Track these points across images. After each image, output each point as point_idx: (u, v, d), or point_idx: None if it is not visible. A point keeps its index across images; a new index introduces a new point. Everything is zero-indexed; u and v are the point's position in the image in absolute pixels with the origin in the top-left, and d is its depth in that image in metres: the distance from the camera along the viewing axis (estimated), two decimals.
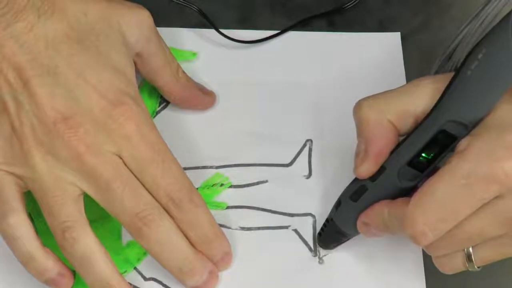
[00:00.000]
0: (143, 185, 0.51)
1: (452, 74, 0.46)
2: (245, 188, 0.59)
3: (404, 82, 0.63)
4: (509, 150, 0.42)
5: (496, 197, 0.43)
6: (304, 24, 0.65)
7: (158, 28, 0.63)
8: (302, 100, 0.62)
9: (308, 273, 0.55)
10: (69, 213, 0.50)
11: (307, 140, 0.60)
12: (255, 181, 0.59)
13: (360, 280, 0.55)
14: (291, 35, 0.65)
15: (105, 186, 0.50)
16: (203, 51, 0.63)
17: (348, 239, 0.54)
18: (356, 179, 0.51)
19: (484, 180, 0.43)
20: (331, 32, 0.65)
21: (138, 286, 0.55)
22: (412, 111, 0.47)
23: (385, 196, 0.49)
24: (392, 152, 0.48)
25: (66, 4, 0.52)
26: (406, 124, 0.47)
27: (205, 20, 0.63)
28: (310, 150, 0.60)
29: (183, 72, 0.59)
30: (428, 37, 0.66)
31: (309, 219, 0.57)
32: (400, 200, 0.48)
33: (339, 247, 0.55)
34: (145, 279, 0.55)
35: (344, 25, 0.65)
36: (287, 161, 0.59)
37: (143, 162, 0.50)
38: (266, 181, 0.59)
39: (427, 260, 0.55)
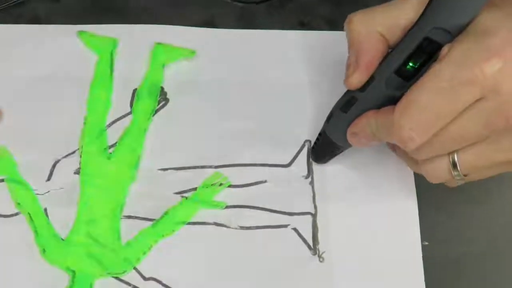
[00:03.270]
0: None
1: None
2: (244, 188, 0.59)
3: None
4: (488, 52, 0.44)
5: (478, 99, 0.45)
6: (302, 23, 0.66)
7: (158, 26, 0.65)
8: (301, 100, 0.63)
9: (307, 272, 0.57)
10: None
11: (306, 141, 0.61)
12: (254, 181, 0.60)
13: (360, 279, 0.57)
14: (291, 34, 0.65)
15: None
16: (202, 50, 0.64)
17: (340, 152, 0.57)
18: (346, 92, 0.53)
19: (465, 82, 0.45)
20: (330, 32, 0.66)
21: (138, 286, 0.56)
22: (401, 23, 0.49)
23: (373, 106, 0.51)
24: (381, 63, 0.50)
25: None
26: (395, 36, 0.50)
27: (206, 19, 0.64)
28: (309, 150, 0.61)
29: None
30: None
31: (308, 218, 0.58)
32: (385, 108, 0.50)
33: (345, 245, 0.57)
34: (145, 279, 0.56)
35: (343, 25, 0.66)
36: (286, 161, 0.60)
37: None
38: (265, 181, 0.60)
39: (427, 261, 0.57)
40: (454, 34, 0.47)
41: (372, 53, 0.50)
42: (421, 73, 0.48)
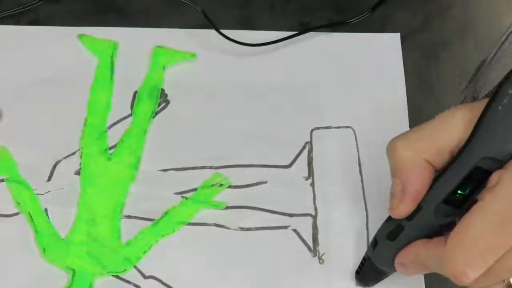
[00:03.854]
0: None
1: (480, 102, 0.46)
2: (245, 189, 0.60)
3: (403, 83, 0.64)
4: None
5: None
6: (303, 24, 0.67)
7: (158, 29, 0.65)
8: (302, 101, 0.63)
9: (307, 273, 0.57)
10: None
11: (307, 142, 0.61)
12: (255, 181, 0.60)
13: None
14: (291, 35, 0.65)
15: None
16: (202, 52, 0.65)
17: (387, 276, 0.55)
18: (391, 218, 0.50)
19: None
20: (331, 33, 0.66)
21: (138, 284, 0.56)
22: (446, 146, 0.47)
23: (422, 234, 0.48)
24: (428, 191, 0.47)
25: None
26: (442, 160, 0.47)
27: (206, 21, 0.64)
28: (309, 151, 0.61)
29: None
30: (428, 37, 0.67)
31: (309, 219, 0.59)
32: (436, 240, 0.47)
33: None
34: (145, 277, 0.56)
35: (345, 25, 0.67)
36: (287, 162, 0.61)
37: None
38: (266, 182, 0.60)
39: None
40: (505, 161, 0.45)
41: (419, 183, 0.47)
42: (472, 198, 0.46)
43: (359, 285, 0.57)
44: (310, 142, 0.62)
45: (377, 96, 0.63)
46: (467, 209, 0.45)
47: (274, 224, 0.59)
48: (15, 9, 0.66)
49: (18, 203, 0.58)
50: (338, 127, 0.62)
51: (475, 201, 0.45)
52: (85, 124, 0.61)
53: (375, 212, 0.59)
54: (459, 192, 0.46)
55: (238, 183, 0.60)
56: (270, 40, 0.65)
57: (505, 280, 0.46)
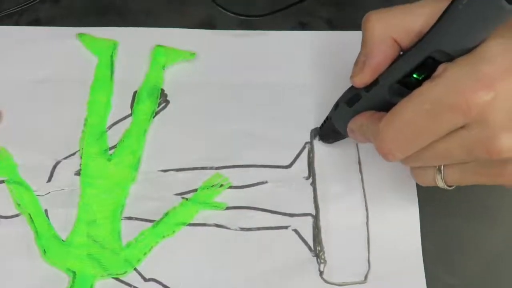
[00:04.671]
0: None
1: None
2: (245, 189, 0.60)
3: None
4: (478, 82, 0.43)
5: (462, 127, 0.45)
6: (303, 24, 0.67)
7: (158, 29, 0.65)
8: (302, 101, 0.63)
9: (308, 273, 0.57)
10: None
11: (307, 142, 0.62)
12: (255, 182, 0.60)
13: (361, 280, 0.57)
14: (291, 35, 0.66)
15: None
16: (202, 52, 0.65)
17: (343, 138, 0.59)
18: (352, 87, 0.54)
19: (448, 109, 0.44)
20: (330, 31, 0.66)
21: (138, 287, 0.56)
22: (414, 28, 0.49)
23: (375, 107, 0.52)
24: (388, 68, 0.51)
25: None
26: (409, 41, 0.49)
27: (206, 21, 0.64)
28: (309, 151, 0.61)
29: None
30: None
31: (309, 219, 0.59)
32: (378, 114, 0.50)
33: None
34: (145, 280, 0.56)
35: (344, 25, 0.67)
36: (287, 162, 0.61)
37: None
38: (266, 182, 0.60)
39: (427, 262, 0.57)
40: (457, 56, 0.46)
41: (380, 58, 0.50)
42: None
43: (321, 140, 0.61)
44: (310, 142, 0.62)
45: None
46: None
47: (275, 224, 0.59)
48: (14, 8, 0.66)
49: (18, 205, 0.58)
50: None
51: None
52: (85, 125, 0.61)
53: (375, 212, 0.59)
54: (413, 76, 0.49)
55: (238, 184, 0.60)
56: (270, 41, 0.65)
57: (436, 167, 0.50)
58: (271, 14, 0.66)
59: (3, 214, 0.58)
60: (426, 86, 0.46)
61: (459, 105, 0.44)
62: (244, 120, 0.62)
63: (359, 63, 0.51)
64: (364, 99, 0.52)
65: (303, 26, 0.67)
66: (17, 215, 0.58)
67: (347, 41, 0.65)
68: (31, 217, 0.58)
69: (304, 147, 0.61)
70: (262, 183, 0.60)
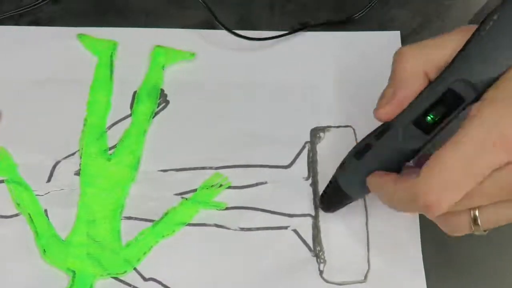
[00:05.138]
0: None
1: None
2: (245, 189, 0.60)
3: None
4: None
5: (506, 164, 0.44)
6: (303, 24, 0.67)
7: (157, 29, 0.65)
8: (302, 101, 0.63)
9: (307, 273, 0.57)
10: None
11: (307, 142, 0.62)
12: (255, 182, 0.60)
13: (360, 281, 0.57)
14: (292, 35, 0.66)
15: None
16: (202, 52, 0.65)
17: (349, 202, 0.56)
18: (362, 140, 0.51)
19: (492, 148, 0.44)
20: (330, 32, 0.66)
21: (138, 286, 0.56)
22: (443, 62, 0.48)
23: (387, 156, 0.49)
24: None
25: None
26: (438, 74, 0.48)
27: (207, 18, 0.64)
28: (309, 151, 0.61)
29: None
30: (428, 37, 0.66)
31: (309, 220, 0.59)
32: (403, 176, 0.48)
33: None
34: (145, 279, 0.57)
35: (344, 25, 0.67)
36: (287, 162, 0.61)
37: None
38: (266, 182, 0.60)
39: (426, 263, 0.57)
40: (479, 89, 0.46)
41: (411, 91, 0.49)
42: (440, 127, 0.47)
43: (323, 210, 0.58)
44: (310, 142, 0.62)
45: (376, 94, 0.63)
46: (434, 137, 0.47)
47: (274, 224, 0.59)
48: (15, 11, 0.66)
49: (18, 204, 0.58)
50: (338, 127, 0.62)
51: (442, 129, 0.47)
52: (84, 125, 0.62)
53: (375, 212, 0.59)
54: (430, 116, 0.47)
55: (238, 184, 0.60)
56: (270, 41, 0.65)
57: (471, 212, 0.48)
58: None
59: (2, 214, 0.58)
60: (467, 129, 0.44)
61: (503, 144, 0.43)
62: (243, 120, 0.62)
63: (387, 95, 0.50)
64: (374, 149, 0.50)
65: (303, 26, 0.67)
66: (16, 215, 0.58)
67: (347, 42, 0.66)
68: (30, 217, 0.58)
69: (304, 147, 0.62)
70: (262, 183, 0.60)
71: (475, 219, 0.48)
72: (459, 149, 0.44)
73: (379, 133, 0.50)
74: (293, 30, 0.66)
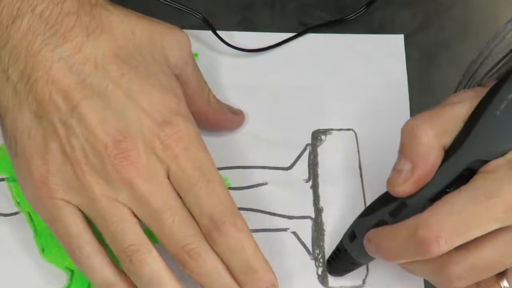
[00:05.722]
0: (189, 208, 0.51)
1: (485, 89, 0.47)
2: (245, 190, 0.60)
3: (406, 85, 0.64)
4: None
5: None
6: (303, 25, 0.67)
7: None
8: (303, 103, 0.63)
9: (306, 276, 0.57)
10: (132, 237, 0.49)
11: (308, 144, 0.62)
12: (255, 183, 0.60)
13: (358, 284, 0.57)
14: (292, 36, 0.66)
15: (155, 215, 0.49)
16: (203, 53, 0.65)
17: (360, 266, 0.56)
18: (370, 213, 0.51)
19: (505, 203, 0.44)
20: (333, 34, 0.66)
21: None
22: (456, 130, 0.48)
23: None
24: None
25: (114, 23, 0.51)
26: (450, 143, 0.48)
27: (207, 24, 0.64)
28: (310, 153, 0.62)
29: (213, 95, 0.59)
30: (428, 38, 0.67)
31: (308, 222, 0.59)
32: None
33: None
34: None
35: (345, 26, 0.67)
36: (287, 164, 0.61)
37: (187, 183, 0.50)
38: (266, 184, 0.60)
39: None
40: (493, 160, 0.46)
41: (430, 168, 0.48)
42: None
43: (331, 274, 0.57)
44: (311, 144, 0.62)
45: (379, 98, 0.64)
46: None
47: (274, 226, 0.59)
48: None
49: (18, 203, 0.58)
50: (339, 130, 0.62)
51: None
52: None
53: None
54: (446, 190, 0.47)
55: (237, 185, 0.60)
56: (269, 45, 0.65)
57: (501, 285, 0.48)
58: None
59: (2, 212, 0.58)
60: (481, 180, 0.45)
61: None
62: (244, 121, 0.62)
63: (404, 172, 0.48)
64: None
65: (303, 27, 0.67)
66: (16, 213, 0.58)
67: (349, 44, 0.66)
68: (30, 215, 0.58)
69: (305, 149, 0.62)
70: (262, 184, 0.60)
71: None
72: (468, 198, 0.45)
73: (394, 209, 0.49)
74: (290, 37, 0.66)
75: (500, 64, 0.49)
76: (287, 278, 0.57)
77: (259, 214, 0.59)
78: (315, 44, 0.66)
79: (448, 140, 0.48)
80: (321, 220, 0.59)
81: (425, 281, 0.57)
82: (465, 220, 0.44)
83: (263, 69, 0.65)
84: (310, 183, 0.61)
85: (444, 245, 0.45)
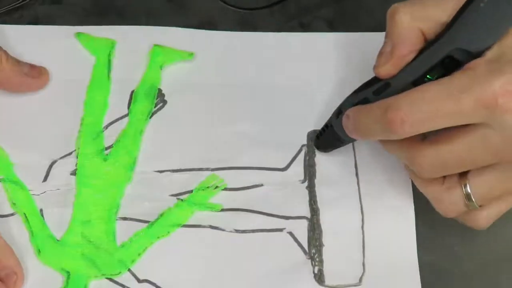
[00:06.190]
0: None
1: None
2: (241, 191, 0.60)
3: None
4: (510, 85, 0.44)
5: (486, 125, 0.46)
6: (303, 25, 0.67)
7: (156, 28, 0.66)
8: (299, 103, 0.63)
9: (302, 276, 0.57)
10: None
11: (303, 145, 0.62)
12: (251, 184, 0.60)
13: (355, 284, 0.57)
14: (290, 36, 0.66)
15: None
16: (200, 52, 0.65)
17: (343, 145, 0.59)
18: (359, 91, 0.54)
19: (474, 100, 0.45)
20: (330, 33, 0.66)
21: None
22: (441, 21, 0.49)
23: None
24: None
25: None
26: (434, 32, 0.50)
27: (207, 18, 0.64)
28: (306, 154, 0.61)
29: (8, 59, 0.60)
30: None
31: (304, 222, 0.59)
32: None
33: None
34: (139, 281, 0.57)
35: (343, 25, 0.67)
36: (283, 165, 0.61)
37: None
38: (262, 185, 0.60)
39: (423, 270, 0.58)
40: (477, 55, 0.47)
41: (408, 48, 0.50)
42: None
43: (318, 149, 0.61)
44: (307, 145, 0.62)
45: None
46: None
47: (270, 226, 0.59)
48: (12, 4, 0.66)
49: (14, 204, 0.59)
50: None
51: None
52: (81, 124, 0.62)
53: (371, 216, 0.60)
54: (428, 76, 0.49)
55: (234, 185, 0.60)
56: (269, 42, 0.66)
57: (462, 187, 0.50)
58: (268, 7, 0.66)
59: None
60: (458, 75, 0.46)
61: (487, 102, 0.44)
62: (241, 122, 0.62)
63: (385, 54, 0.51)
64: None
65: (303, 26, 0.67)
66: (12, 214, 0.59)
67: (346, 43, 0.66)
68: (26, 217, 0.58)
69: (300, 150, 0.62)
70: (258, 185, 0.60)
71: (468, 195, 0.50)
72: (441, 89, 0.46)
73: (378, 89, 0.51)
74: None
75: None
76: (283, 278, 0.57)
77: (255, 214, 0.59)
78: (312, 43, 0.66)
79: (427, 26, 0.50)
80: (317, 220, 0.59)
81: (422, 280, 0.57)
82: (433, 109, 0.46)
83: (259, 69, 0.65)
84: (306, 183, 0.61)
85: (408, 128, 0.47)
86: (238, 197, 0.60)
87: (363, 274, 0.57)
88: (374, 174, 0.61)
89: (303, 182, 0.61)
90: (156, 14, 0.66)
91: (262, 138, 0.62)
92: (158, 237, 0.58)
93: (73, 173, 0.60)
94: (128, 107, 0.63)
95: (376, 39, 0.64)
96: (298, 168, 0.61)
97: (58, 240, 0.58)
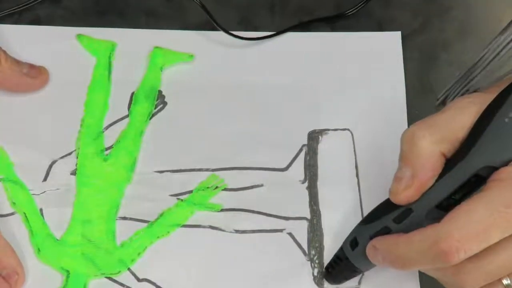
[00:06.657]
0: None
1: (489, 94, 0.47)
2: (240, 191, 0.60)
3: (403, 84, 0.64)
4: None
5: None
6: (303, 26, 0.67)
7: (156, 30, 0.66)
8: (299, 103, 0.63)
9: (301, 277, 0.57)
10: None
11: (304, 145, 0.62)
12: (251, 184, 0.61)
13: (354, 285, 0.57)
14: (291, 36, 0.66)
15: None
16: (200, 53, 0.65)
17: (359, 274, 0.56)
18: (373, 220, 0.51)
19: None
20: (330, 33, 0.66)
21: (132, 287, 0.57)
22: (459, 137, 0.48)
23: None
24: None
25: None
26: (453, 151, 0.48)
27: (206, 18, 0.64)
28: (306, 154, 0.62)
29: (7, 59, 0.61)
30: (428, 38, 0.67)
31: (304, 223, 0.59)
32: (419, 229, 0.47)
33: None
34: (139, 280, 0.57)
35: (344, 26, 0.67)
36: (283, 165, 0.61)
37: None
38: (262, 185, 0.60)
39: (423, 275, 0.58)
40: (500, 166, 0.46)
41: (431, 174, 0.48)
42: (461, 202, 0.47)
43: (329, 283, 0.57)
44: (307, 145, 0.62)
45: (376, 97, 0.63)
46: None
47: (269, 227, 0.59)
48: (14, 8, 0.67)
49: (14, 203, 0.59)
50: (336, 130, 0.62)
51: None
52: (81, 125, 0.62)
53: None
54: (452, 197, 0.47)
55: (234, 186, 0.61)
56: (269, 42, 0.66)
57: (503, 282, 0.47)
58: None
59: None
60: (497, 189, 0.45)
61: None
62: (241, 122, 0.63)
63: (404, 179, 0.48)
64: (394, 232, 0.49)
65: (303, 26, 0.67)
66: (12, 214, 0.59)
67: (346, 43, 0.66)
68: (26, 216, 0.58)
69: (301, 150, 0.62)
70: (258, 185, 0.61)
71: (508, 286, 0.48)
72: (485, 207, 0.45)
73: (398, 216, 0.49)
74: (284, 30, 0.66)
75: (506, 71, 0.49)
76: (282, 279, 0.57)
77: (255, 215, 0.60)
78: (312, 42, 0.66)
79: (447, 146, 0.48)
80: (317, 221, 0.59)
81: (421, 282, 0.57)
82: (484, 230, 0.44)
83: (259, 70, 0.65)
84: (306, 184, 0.61)
85: (463, 255, 0.45)
86: (238, 198, 0.60)
87: (362, 276, 0.57)
88: (375, 174, 0.60)
89: (303, 182, 0.61)
90: (156, 14, 0.67)
91: (262, 138, 0.62)
92: (158, 237, 0.58)
93: (73, 173, 0.60)
94: (128, 109, 0.63)
95: (376, 39, 0.66)
96: (298, 168, 0.61)
97: (58, 240, 0.58)
